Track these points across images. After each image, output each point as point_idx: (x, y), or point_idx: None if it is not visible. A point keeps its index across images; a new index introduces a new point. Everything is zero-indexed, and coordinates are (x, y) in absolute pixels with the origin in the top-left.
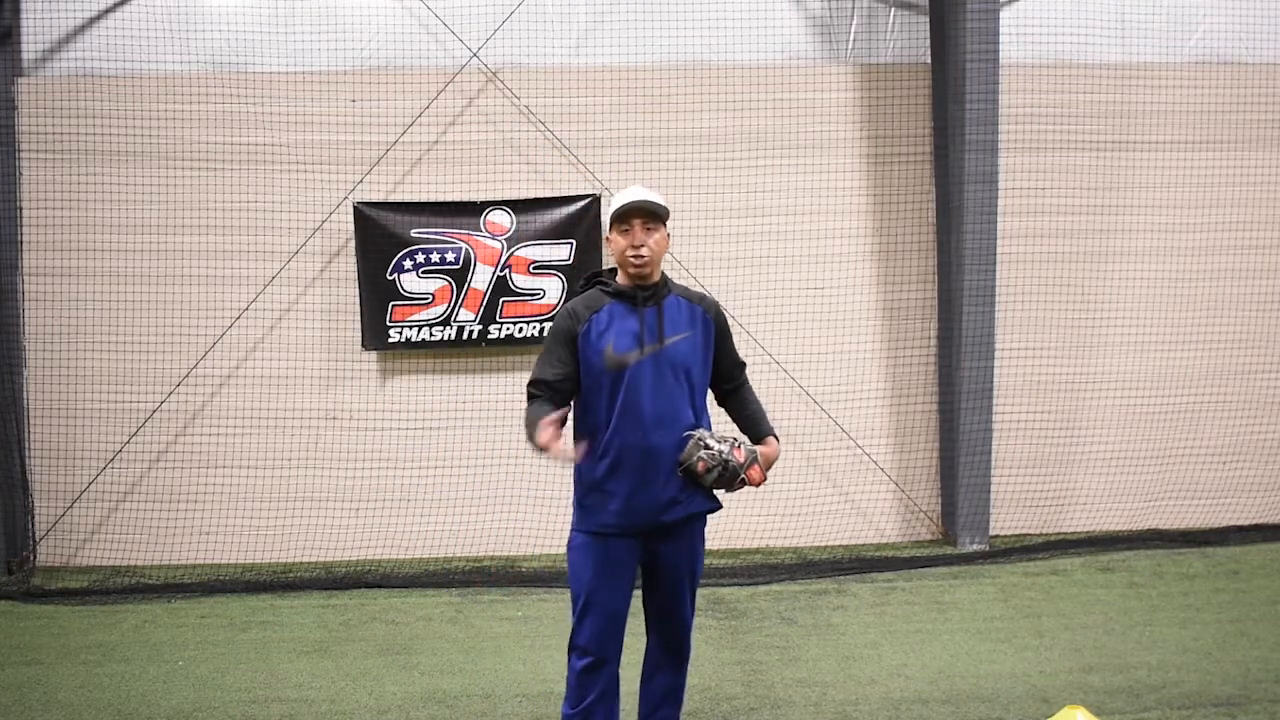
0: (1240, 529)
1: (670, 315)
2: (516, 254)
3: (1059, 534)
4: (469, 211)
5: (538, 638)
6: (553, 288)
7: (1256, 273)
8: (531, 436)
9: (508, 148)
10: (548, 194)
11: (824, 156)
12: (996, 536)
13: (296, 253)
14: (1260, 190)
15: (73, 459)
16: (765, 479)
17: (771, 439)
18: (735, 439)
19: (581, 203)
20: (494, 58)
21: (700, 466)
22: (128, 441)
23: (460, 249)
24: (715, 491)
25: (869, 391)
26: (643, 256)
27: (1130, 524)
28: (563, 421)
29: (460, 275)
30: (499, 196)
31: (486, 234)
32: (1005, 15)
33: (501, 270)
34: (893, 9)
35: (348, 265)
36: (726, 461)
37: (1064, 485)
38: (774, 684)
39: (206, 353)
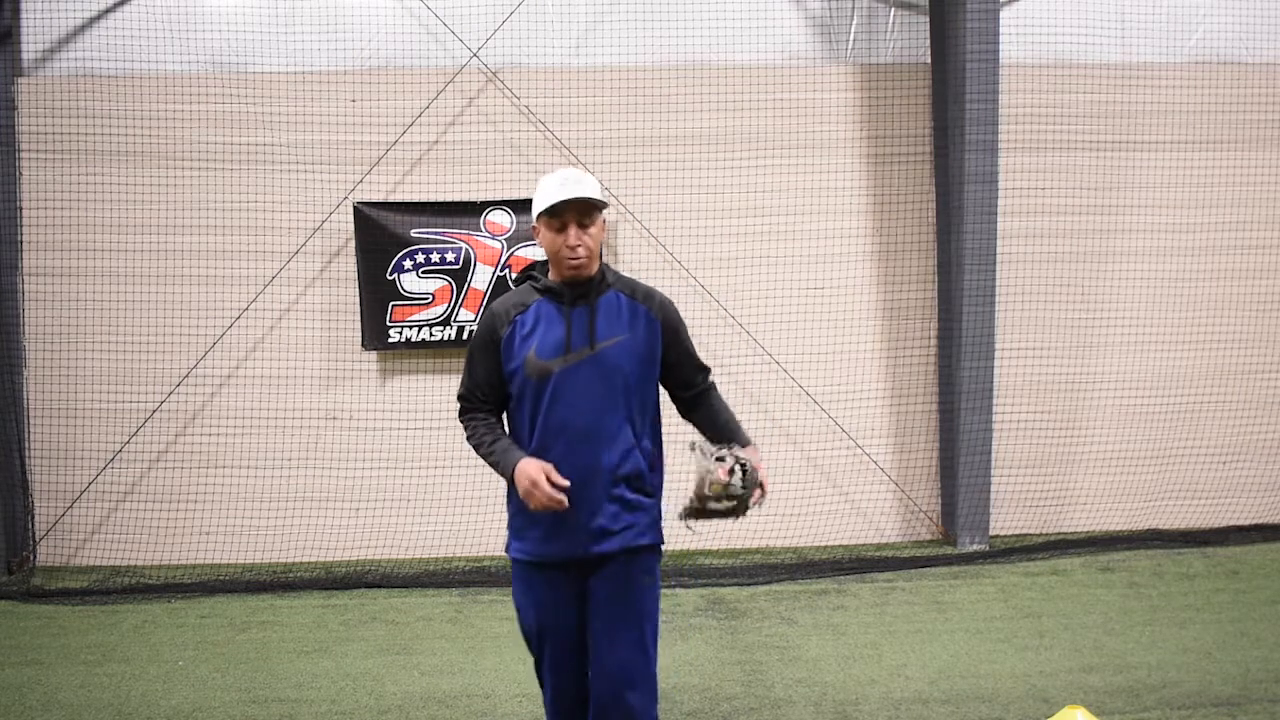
0: (1240, 529)
1: (606, 314)
2: (516, 254)
3: (1059, 534)
4: (469, 211)
5: None
6: None
7: (1256, 273)
8: (500, 466)
9: (508, 148)
10: None
11: (824, 156)
12: (996, 536)
13: (296, 253)
14: (1260, 190)
15: (73, 459)
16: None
17: (752, 448)
18: (725, 444)
19: None
20: (494, 58)
21: (723, 475)
22: (128, 441)
23: (460, 249)
24: (691, 519)
25: (869, 391)
26: (580, 256)
27: (1130, 524)
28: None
29: (460, 275)
30: (499, 196)
31: (486, 234)
32: (1005, 15)
33: (501, 270)
34: (893, 9)
35: (348, 265)
36: (744, 466)
37: (1064, 485)
38: (774, 684)
39: (206, 353)
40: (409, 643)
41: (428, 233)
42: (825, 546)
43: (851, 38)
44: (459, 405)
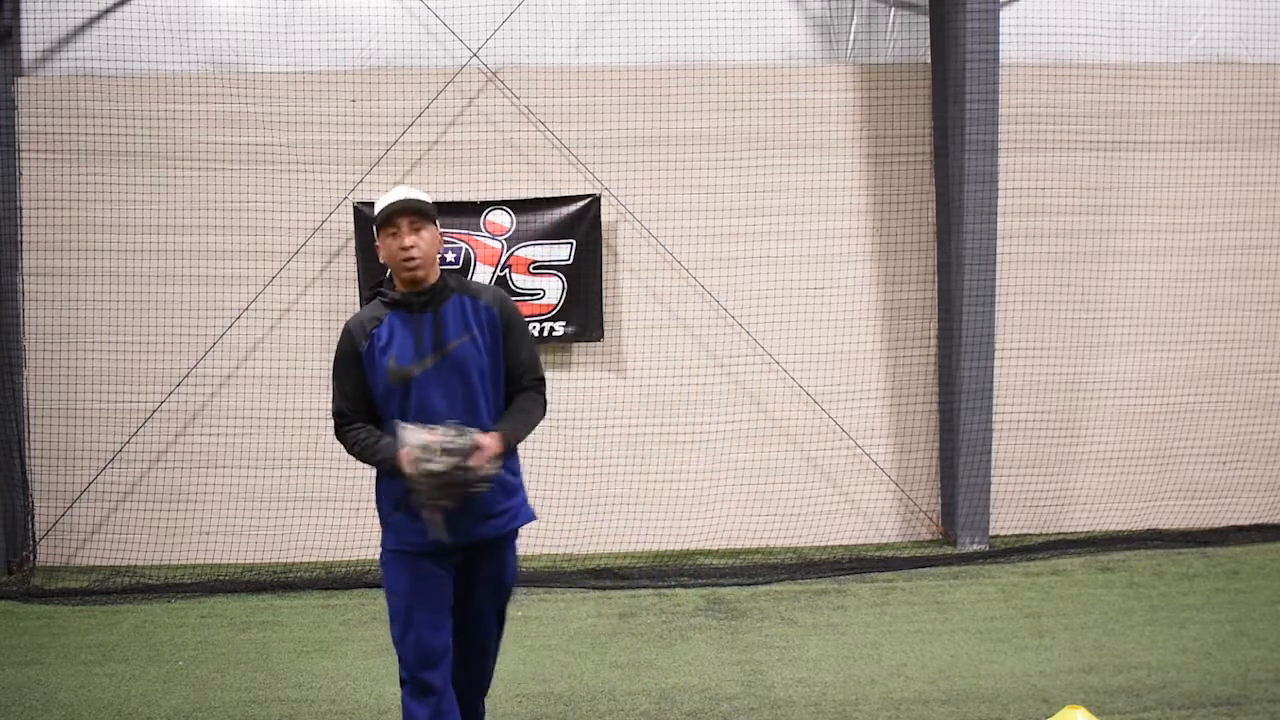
0: (1240, 529)
1: (451, 318)
2: (516, 254)
3: (1059, 534)
4: (469, 211)
5: (537, 638)
6: (553, 288)
7: (1256, 273)
8: (385, 458)
9: (508, 148)
10: (548, 194)
11: (824, 156)
12: (996, 536)
13: (296, 253)
14: (1260, 190)
15: (73, 459)
16: (492, 469)
17: (496, 433)
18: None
19: (581, 203)
20: (494, 58)
21: (426, 435)
22: (128, 441)
23: (460, 249)
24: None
25: (869, 391)
26: (414, 257)
27: (1130, 524)
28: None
29: (460, 275)
30: (499, 196)
31: (486, 234)
32: (1005, 15)
33: (501, 270)
34: (893, 9)
35: (348, 265)
36: (453, 449)
37: (1064, 485)
38: (774, 684)
39: (206, 353)
40: None
41: None
42: (825, 546)
43: (851, 38)
44: (334, 422)
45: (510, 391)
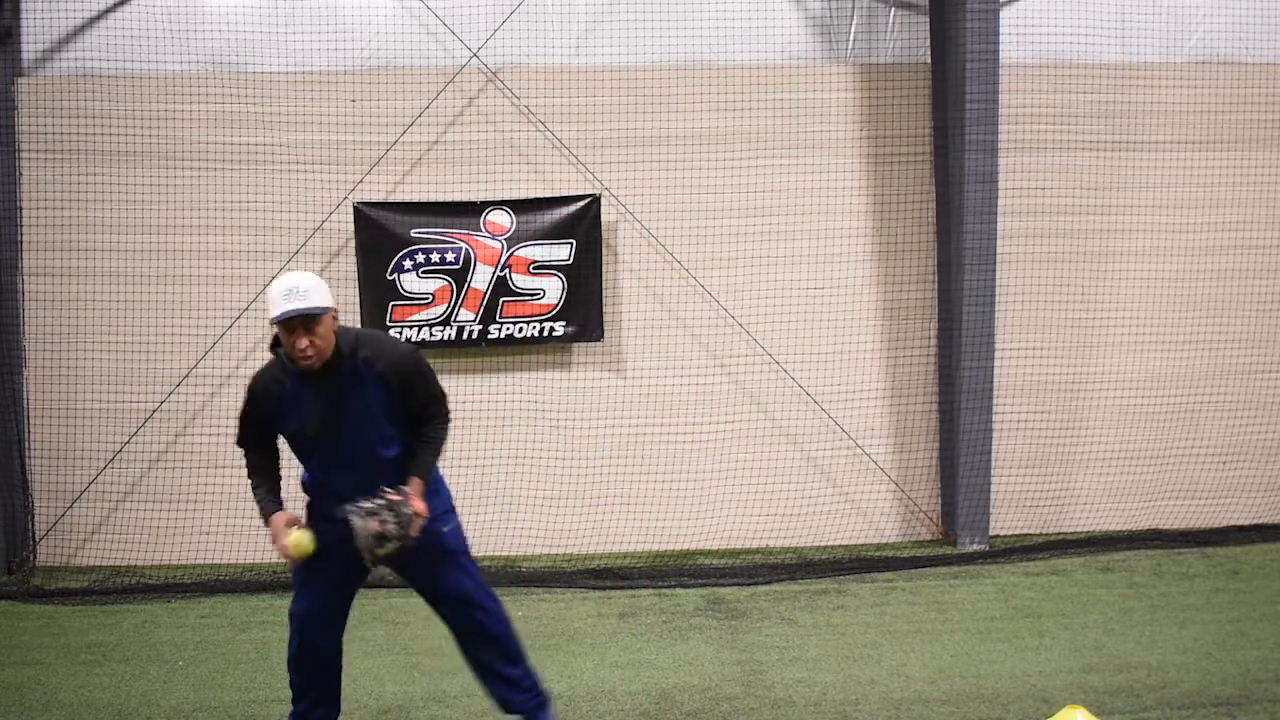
0: (1240, 529)
1: (348, 386)
2: (516, 254)
3: (1059, 534)
4: (469, 211)
5: (537, 637)
6: (553, 288)
7: (1256, 273)
8: (261, 511)
9: (508, 148)
10: (548, 194)
11: (824, 156)
12: (996, 536)
13: (296, 253)
14: (1260, 190)
15: (73, 459)
16: (424, 510)
17: (414, 479)
18: (379, 491)
19: (581, 203)
20: (494, 58)
21: (375, 527)
22: (128, 441)
23: (460, 249)
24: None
25: (869, 391)
26: (309, 356)
27: (1130, 524)
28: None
29: (460, 275)
30: (499, 196)
31: (486, 234)
32: (1005, 15)
33: (501, 270)
34: (893, 9)
35: (348, 265)
36: (392, 507)
37: (1064, 485)
38: (774, 684)
39: (206, 353)
40: (409, 643)
41: (428, 233)
42: (825, 546)
43: (851, 38)
44: (237, 444)
45: (418, 423)
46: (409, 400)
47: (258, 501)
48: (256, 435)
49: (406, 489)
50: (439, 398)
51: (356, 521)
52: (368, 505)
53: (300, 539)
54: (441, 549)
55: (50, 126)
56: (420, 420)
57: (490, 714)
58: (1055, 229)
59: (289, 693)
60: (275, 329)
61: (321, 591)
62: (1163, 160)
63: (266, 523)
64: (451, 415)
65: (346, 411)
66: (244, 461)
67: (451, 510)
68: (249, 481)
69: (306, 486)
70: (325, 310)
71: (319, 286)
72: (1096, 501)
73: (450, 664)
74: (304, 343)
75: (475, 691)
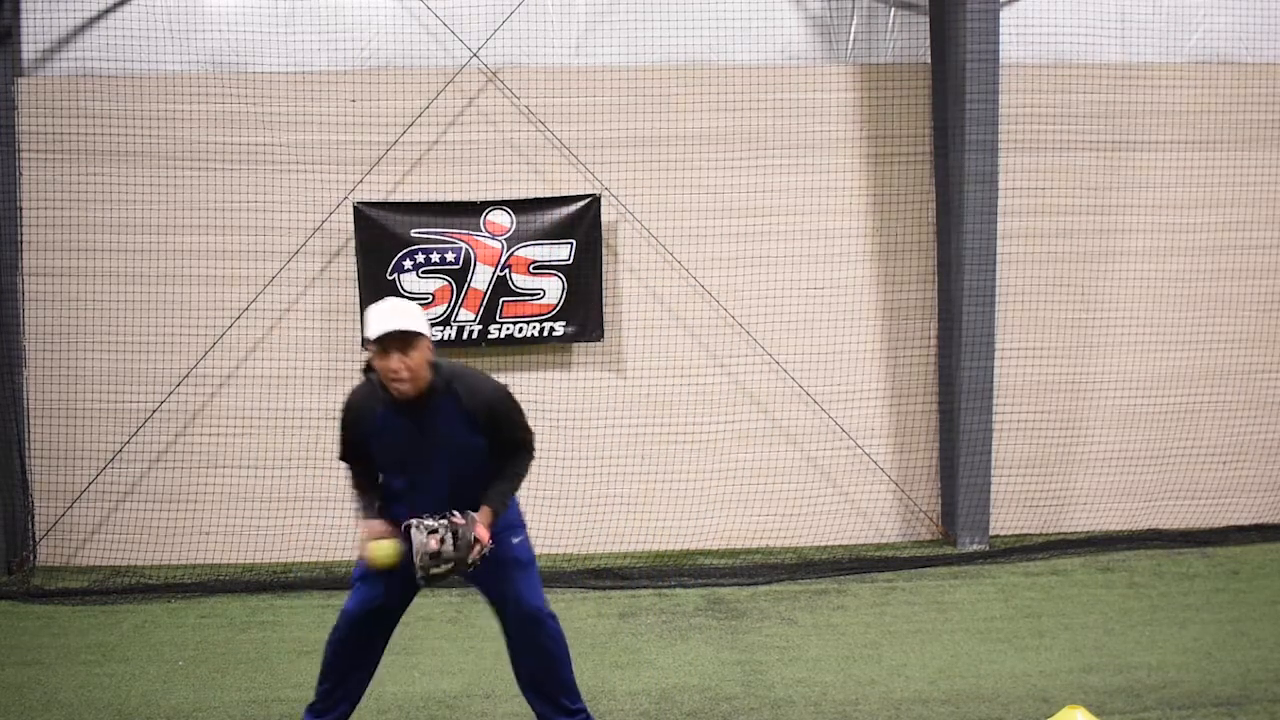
0: (1240, 529)
1: (440, 419)
2: (516, 254)
3: (1059, 534)
4: (469, 211)
5: None
6: (553, 287)
7: (1256, 273)
8: (359, 518)
9: (508, 148)
10: (548, 194)
11: (824, 156)
12: (996, 536)
13: (296, 253)
14: (1260, 190)
15: (73, 459)
16: (487, 540)
17: (486, 508)
18: (446, 514)
19: (581, 203)
20: (494, 58)
21: (433, 545)
22: (128, 441)
23: (460, 249)
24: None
25: (869, 391)
26: (403, 379)
27: (1130, 524)
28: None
29: (460, 275)
30: (499, 196)
31: (486, 234)
32: (1005, 15)
33: (501, 270)
34: (893, 9)
35: (348, 265)
36: (454, 530)
37: (1064, 485)
38: (774, 684)
39: (206, 353)
40: (409, 643)
41: (428, 233)
42: (825, 546)
43: (851, 38)
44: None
45: (502, 455)
46: (496, 436)
47: (359, 507)
48: (354, 452)
49: (474, 515)
50: (525, 434)
51: (417, 536)
52: (430, 523)
53: (385, 548)
54: (512, 559)
55: (50, 126)
56: (504, 455)
57: (490, 714)
58: (1055, 229)
59: (289, 692)
60: (370, 351)
61: (372, 594)
62: (1163, 160)
63: (361, 523)
64: (536, 451)
65: (435, 442)
66: (348, 474)
67: (522, 525)
68: (353, 490)
69: (388, 496)
70: (420, 335)
71: (416, 313)
72: (1096, 501)
73: (451, 664)
74: (396, 364)
75: (475, 691)
